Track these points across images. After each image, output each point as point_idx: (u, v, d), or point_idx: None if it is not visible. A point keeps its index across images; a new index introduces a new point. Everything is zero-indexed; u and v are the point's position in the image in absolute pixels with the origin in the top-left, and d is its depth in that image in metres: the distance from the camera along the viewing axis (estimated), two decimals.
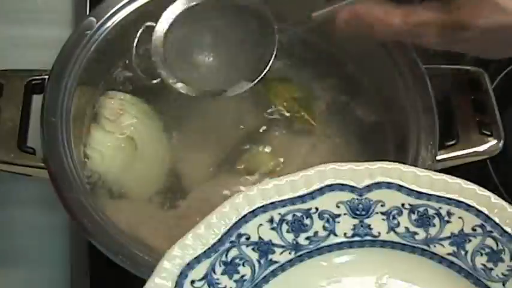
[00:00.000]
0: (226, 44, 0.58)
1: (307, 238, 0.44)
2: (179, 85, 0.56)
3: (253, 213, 0.43)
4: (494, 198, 0.45)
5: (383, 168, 0.45)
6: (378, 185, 0.44)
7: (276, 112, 0.62)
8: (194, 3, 0.58)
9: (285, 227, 0.44)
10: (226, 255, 0.43)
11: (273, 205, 0.44)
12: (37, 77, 0.57)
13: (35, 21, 0.75)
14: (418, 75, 0.59)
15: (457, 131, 0.57)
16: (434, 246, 0.45)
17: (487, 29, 0.48)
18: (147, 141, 0.59)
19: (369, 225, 0.45)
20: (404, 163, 0.54)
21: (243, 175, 0.59)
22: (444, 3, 0.49)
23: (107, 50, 0.60)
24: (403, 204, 0.45)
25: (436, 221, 0.45)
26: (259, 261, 0.43)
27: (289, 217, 0.44)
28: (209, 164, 0.60)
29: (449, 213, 0.45)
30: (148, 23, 0.57)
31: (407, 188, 0.45)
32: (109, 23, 0.59)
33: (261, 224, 0.43)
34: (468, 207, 0.45)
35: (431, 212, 0.45)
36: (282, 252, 0.44)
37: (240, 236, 0.43)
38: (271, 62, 0.55)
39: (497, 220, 0.44)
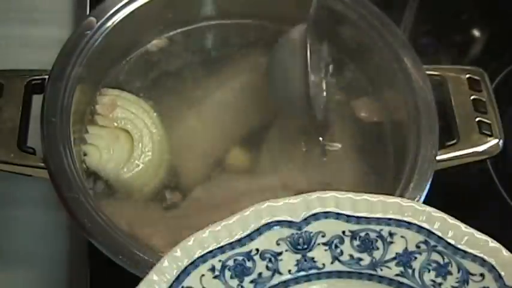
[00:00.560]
0: None
1: (252, 281, 0.43)
2: None
3: (193, 264, 0.42)
4: (434, 212, 0.44)
5: (319, 197, 0.44)
6: (316, 216, 0.44)
7: None
8: None
9: (227, 273, 0.43)
10: None
11: (212, 253, 0.43)
12: (37, 77, 0.57)
13: (35, 21, 0.75)
14: (418, 75, 0.59)
15: (457, 131, 0.57)
16: (381, 270, 0.44)
17: None
18: (144, 135, 0.59)
19: (312, 258, 0.44)
20: (404, 164, 0.55)
21: (243, 173, 0.59)
22: None
23: (106, 50, 0.60)
24: (343, 232, 0.44)
25: (379, 243, 0.44)
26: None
27: (231, 262, 0.43)
28: (209, 162, 0.60)
29: (391, 234, 0.44)
30: None
31: (345, 214, 0.44)
32: (109, 23, 0.59)
33: (203, 275, 0.42)
34: (409, 225, 0.44)
35: (372, 235, 0.44)
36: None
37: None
38: None
39: (439, 234, 0.44)
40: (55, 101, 0.55)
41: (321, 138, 0.60)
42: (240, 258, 0.43)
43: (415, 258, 0.44)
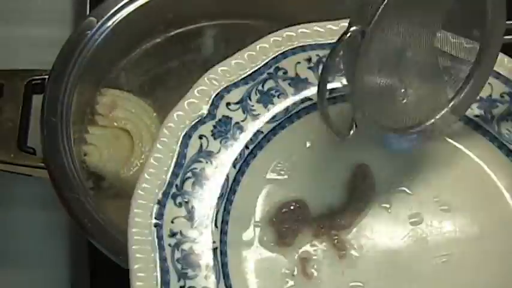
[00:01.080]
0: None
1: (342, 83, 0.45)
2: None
3: (293, 50, 0.45)
4: None
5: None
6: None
7: None
8: None
9: (320, 67, 0.45)
10: (263, 85, 0.44)
11: (312, 46, 0.45)
12: (37, 77, 0.57)
13: (35, 21, 0.75)
14: None
15: None
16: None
17: None
18: (144, 134, 0.59)
19: None
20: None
21: None
22: None
23: (106, 50, 0.60)
24: None
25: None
26: (293, 96, 0.45)
27: (324, 59, 0.45)
28: None
29: None
30: None
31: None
32: (109, 23, 0.59)
33: (298, 62, 0.45)
34: (498, 75, 0.46)
35: None
36: None
37: (277, 69, 0.45)
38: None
39: None
40: (55, 101, 0.55)
41: None
42: (337, 59, 0.43)
43: (497, 106, 0.46)
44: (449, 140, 0.47)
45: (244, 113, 0.44)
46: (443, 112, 0.44)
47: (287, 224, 0.43)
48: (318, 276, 0.42)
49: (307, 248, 0.43)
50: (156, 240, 0.39)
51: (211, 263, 0.40)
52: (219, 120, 0.43)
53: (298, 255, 0.43)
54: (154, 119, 0.60)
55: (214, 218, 0.41)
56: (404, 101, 0.43)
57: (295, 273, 0.42)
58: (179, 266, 0.39)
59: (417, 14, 0.41)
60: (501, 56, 0.46)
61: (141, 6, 0.61)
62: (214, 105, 0.43)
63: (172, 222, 0.40)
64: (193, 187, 0.41)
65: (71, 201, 0.51)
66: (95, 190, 0.57)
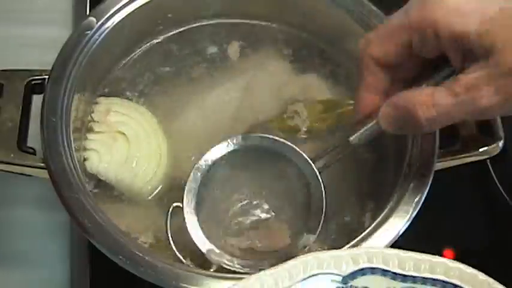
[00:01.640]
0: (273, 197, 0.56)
1: None
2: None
3: None
4: (481, 276, 0.44)
5: (367, 252, 0.44)
6: (362, 272, 0.44)
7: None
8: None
9: None
10: None
11: None
12: (37, 77, 0.57)
13: (35, 21, 0.75)
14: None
15: (457, 131, 0.57)
16: None
17: None
18: (140, 136, 0.59)
19: None
20: (403, 163, 0.55)
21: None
22: (487, 58, 0.44)
23: (107, 50, 0.60)
24: None
25: None
26: None
27: None
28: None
29: None
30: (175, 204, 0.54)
31: (391, 272, 0.44)
32: (109, 23, 0.59)
33: None
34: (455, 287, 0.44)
35: None
36: None
37: None
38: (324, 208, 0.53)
39: None
40: (55, 101, 0.55)
41: None
42: None
43: None
44: None
45: None
46: None
47: None
48: None
49: None
50: None
51: None
52: None
53: None
54: (150, 119, 0.60)
55: None
56: None
57: None
58: None
59: None
60: (456, 264, 0.45)
61: (141, 6, 0.61)
62: None
63: None
64: None
65: (71, 201, 0.51)
66: (96, 192, 0.57)
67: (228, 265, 0.52)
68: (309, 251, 0.51)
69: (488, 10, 0.45)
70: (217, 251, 0.52)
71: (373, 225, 0.51)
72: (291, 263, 0.44)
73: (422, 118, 0.47)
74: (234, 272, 0.52)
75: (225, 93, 0.63)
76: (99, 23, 0.59)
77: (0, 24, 0.74)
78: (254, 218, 0.55)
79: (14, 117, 0.55)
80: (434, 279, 0.44)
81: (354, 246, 0.50)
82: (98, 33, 0.58)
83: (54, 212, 0.62)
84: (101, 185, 0.57)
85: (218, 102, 0.63)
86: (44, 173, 0.52)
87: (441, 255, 0.49)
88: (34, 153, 0.54)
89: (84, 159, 0.57)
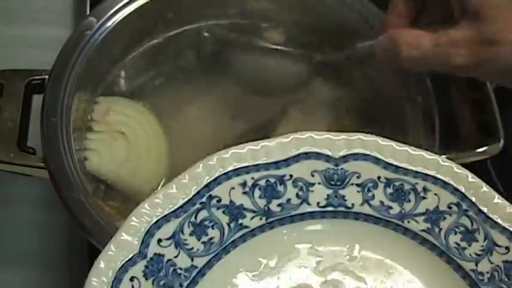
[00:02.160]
0: None
1: (279, 205, 0.43)
2: None
3: (226, 175, 0.42)
4: (471, 177, 0.44)
5: (361, 139, 0.44)
6: (355, 156, 0.44)
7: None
8: None
9: (257, 192, 0.43)
10: (196, 216, 0.42)
11: (247, 169, 0.43)
12: (37, 77, 0.57)
13: (35, 21, 0.75)
14: (418, 75, 0.59)
15: (457, 131, 0.57)
16: (408, 222, 0.44)
17: None
18: (140, 135, 0.59)
19: (343, 196, 0.44)
20: None
21: None
22: (474, 20, 0.48)
23: (107, 50, 0.60)
24: (379, 177, 0.44)
25: (412, 196, 0.44)
26: (228, 225, 0.42)
27: (263, 182, 0.43)
28: None
29: (425, 190, 0.44)
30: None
31: (384, 161, 0.44)
32: (109, 23, 0.59)
33: (233, 188, 0.42)
34: (445, 185, 0.44)
35: (407, 187, 0.44)
36: (252, 218, 0.43)
37: (211, 198, 0.42)
38: None
39: (473, 199, 0.44)
40: (55, 101, 0.55)
41: None
42: (273, 180, 0.43)
43: (444, 218, 0.44)
44: (389, 261, 0.45)
45: (176, 248, 0.41)
46: None
47: None
48: None
49: None
50: None
51: None
52: (151, 258, 0.40)
53: None
54: (150, 119, 0.60)
55: None
56: None
57: None
58: None
59: None
60: (449, 163, 0.45)
61: (141, 6, 0.61)
62: (144, 243, 0.40)
63: None
64: None
65: (71, 201, 0.51)
66: (96, 192, 0.57)
67: None
68: None
69: None
70: None
71: None
72: (283, 139, 0.43)
73: (404, 55, 0.50)
74: None
75: (225, 93, 0.63)
76: (99, 23, 0.59)
77: (0, 24, 0.74)
78: None
79: (14, 117, 0.55)
80: (426, 174, 0.44)
81: None
82: (98, 33, 0.58)
83: (54, 212, 0.62)
84: (101, 184, 0.57)
85: (218, 102, 0.63)
86: (44, 173, 0.52)
87: None
88: (34, 153, 0.54)
89: (84, 159, 0.57)
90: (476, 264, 0.44)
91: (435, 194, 0.44)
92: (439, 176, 0.44)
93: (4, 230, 0.63)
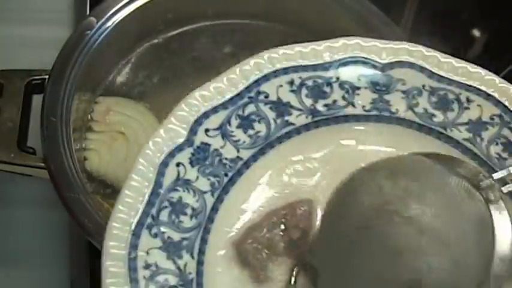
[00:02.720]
0: None
1: (325, 105, 0.44)
2: None
3: (275, 73, 0.43)
4: None
5: (407, 49, 0.45)
6: (401, 64, 0.45)
7: None
8: None
9: (304, 91, 0.44)
10: (243, 110, 0.43)
11: (295, 68, 0.44)
12: (37, 77, 0.57)
13: (35, 21, 0.75)
14: None
15: None
16: (451, 130, 0.45)
17: None
18: (139, 135, 0.59)
19: (388, 101, 0.45)
20: None
21: None
22: None
23: (107, 50, 0.60)
24: (423, 86, 0.45)
25: (455, 105, 0.45)
26: (275, 121, 0.43)
27: (310, 82, 0.44)
28: None
29: (468, 100, 0.45)
30: None
31: (429, 70, 0.45)
32: (109, 23, 0.59)
33: (280, 85, 0.43)
34: (488, 96, 0.45)
35: (450, 96, 0.45)
36: (298, 115, 0.44)
37: (259, 93, 0.43)
38: None
39: None
40: (55, 101, 0.55)
41: None
42: (320, 81, 0.44)
43: (487, 128, 0.45)
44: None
45: (223, 139, 0.42)
46: None
47: (258, 255, 0.42)
48: None
49: (285, 278, 0.42)
50: (130, 273, 0.38)
51: None
52: (198, 147, 0.41)
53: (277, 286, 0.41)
54: (150, 118, 0.60)
55: (191, 248, 0.40)
56: None
57: None
58: None
59: None
60: (492, 76, 0.45)
61: (141, 6, 0.61)
62: (192, 131, 0.41)
63: (147, 253, 0.39)
64: (169, 217, 0.39)
65: (71, 201, 0.51)
66: (96, 192, 0.57)
67: None
68: None
69: None
70: None
71: None
72: (333, 43, 0.44)
73: None
74: None
75: None
76: (99, 23, 0.59)
77: (0, 24, 0.74)
78: None
79: (14, 117, 0.55)
80: (469, 85, 0.45)
81: None
82: (98, 33, 0.58)
83: (54, 212, 0.62)
84: (101, 184, 0.57)
85: None
86: (44, 173, 0.52)
87: None
88: (34, 153, 0.54)
89: (84, 159, 0.57)
90: None
91: (478, 105, 0.45)
92: (482, 87, 0.45)
93: (4, 230, 0.63)
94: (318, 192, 0.43)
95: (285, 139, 0.44)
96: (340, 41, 0.44)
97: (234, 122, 0.43)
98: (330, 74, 0.44)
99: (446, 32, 0.78)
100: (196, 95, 0.42)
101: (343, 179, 0.42)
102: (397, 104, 0.45)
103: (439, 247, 0.38)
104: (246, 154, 0.43)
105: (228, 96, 0.43)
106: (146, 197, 0.39)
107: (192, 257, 0.40)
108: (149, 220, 0.39)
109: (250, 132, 0.43)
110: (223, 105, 0.42)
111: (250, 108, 0.43)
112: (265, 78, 0.43)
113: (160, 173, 0.40)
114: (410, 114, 0.45)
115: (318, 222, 0.42)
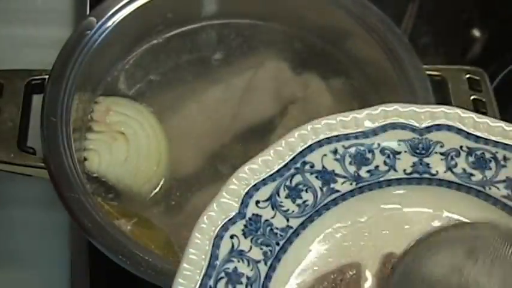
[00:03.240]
0: None
1: (368, 171, 0.46)
2: None
3: (319, 143, 0.45)
4: None
5: (444, 112, 0.46)
6: (439, 127, 0.46)
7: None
8: None
9: (347, 159, 0.45)
10: (291, 181, 0.44)
11: (338, 137, 0.45)
12: (37, 77, 0.57)
13: (35, 21, 0.75)
14: (418, 75, 0.59)
15: None
16: (490, 188, 0.46)
17: None
18: (139, 135, 0.59)
19: (428, 163, 0.46)
20: None
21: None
22: None
23: (107, 50, 0.60)
24: (461, 147, 0.46)
25: (492, 164, 0.46)
26: (321, 189, 0.45)
27: (352, 150, 0.45)
28: (208, 158, 0.60)
29: (505, 158, 0.46)
30: None
31: (466, 131, 0.46)
32: (109, 23, 0.59)
33: (325, 154, 0.45)
34: None
35: (488, 155, 0.46)
36: (343, 183, 0.45)
37: (304, 163, 0.45)
38: None
39: None
40: (55, 101, 0.55)
41: None
42: (362, 148, 0.45)
43: None
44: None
45: (273, 209, 0.44)
46: None
47: None
48: None
49: None
50: None
51: None
52: (249, 218, 0.43)
53: None
54: (150, 118, 0.60)
55: None
56: None
57: None
58: None
59: None
60: None
61: (141, 6, 0.61)
62: (244, 204, 0.43)
63: None
64: (226, 287, 0.41)
65: (71, 201, 0.51)
66: (96, 192, 0.57)
67: None
68: None
69: None
70: None
71: None
72: (373, 111, 0.46)
73: None
74: None
75: (225, 93, 0.63)
76: (99, 23, 0.59)
77: (0, 24, 0.74)
78: None
79: (14, 117, 0.55)
80: (505, 144, 0.46)
81: None
82: (98, 33, 0.58)
83: (54, 212, 0.62)
84: (101, 185, 0.58)
85: (218, 102, 0.63)
86: (44, 173, 0.52)
87: None
88: (34, 153, 0.54)
89: (84, 159, 0.57)
90: None
91: None
92: None
93: (4, 229, 0.63)
94: (366, 255, 0.45)
95: (332, 206, 0.45)
96: (379, 109, 0.46)
97: (283, 192, 0.44)
98: (371, 140, 0.46)
99: (446, 32, 0.78)
100: (245, 169, 0.44)
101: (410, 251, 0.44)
102: (437, 165, 0.46)
103: None
104: (295, 223, 0.45)
105: (276, 168, 0.44)
106: (204, 269, 0.41)
107: None
108: None
109: (299, 201, 0.45)
110: (272, 177, 0.44)
111: (297, 178, 0.45)
112: (310, 149, 0.45)
113: (216, 246, 0.42)
114: (449, 174, 0.47)
115: (366, 286, 0.44)
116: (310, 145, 0.45)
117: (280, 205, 0.44)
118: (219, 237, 0.42)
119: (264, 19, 0.66)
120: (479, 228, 0.45)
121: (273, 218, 0.44)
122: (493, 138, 0.46)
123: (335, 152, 0.45)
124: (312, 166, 0.45)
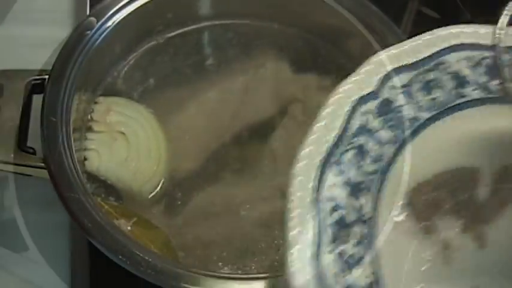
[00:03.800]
0: None
1: (497, 84, 0.46)
2: None
3: (461, 46, 0.46)
4: None
5: None
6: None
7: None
8: None
9: (482, 68, 0.46)
10: (427, 75, 0.46)
11: (473, 46, 0.47)
12: (37, 77, 0.57)
13: (35, 21, 0.75)
14: None
15: None
16: None
17: None
18: (139, 135, 0.59)
19: None
20: None
21: (243, 176, 0.59)
22: None
23: (107, 50, 0.60)
24: None
25: None
26: (452, 90, 0.46)
27: (487, 61, 0.46)
28: (208, 158, 0.60)
29: None
30: None
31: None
32: (109, 23, 0.59)
33: (461, 59, 0.46)
34: None
35: None
36: (474, 89, 0.46)
37: (442, 62, 0.46)
38: None
39: None
40: (55, 101, 0.55)
41: None
42: (498, 61, 0.46)
43: None
44: None
45: (405, 97, 0.45)
46: None
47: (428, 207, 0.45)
48: (453, 265, 0.44)
49: (448, 234, 0.45)
50: (314, 203, 0.40)
51: (362, 231, 0.41)
52: (382, 100, 0.44)
53: (438, 240, 0.45)
54: (150, 119, 0.60)
55: (369, 191, 0.42)
56: None
57: (433, 257, 0.45)
58: (331, 231, 0.40)
59: None
60: None
61: (141, 6, 0.61)
62: (381, 84, 0.44)
63: (329, 189, 0.41)
64: (352, 159, 0.42)
65: (71, 201, 0.51)
66: (96, 192, 0.57)
67: None
68: None
69: None
70: None
71: None
72: (441, 32, 0.47)
73: None
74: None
75: (225, 93, 0.63)
76: (99, 22, 0.59)
77: (0, 24, 0.74)
78: None
79: (14, 117, 0.55)
80: None
81: None
82: (98, 33, 0.58)
83: (54, 212, 0.62)
84: (101, 185, 0.58)
85: (218, 102, 0.63)
86: (44, 173, 0.52)
87: None
88: (34, 153, 0.54)
89: (84, 159, 0.57)
90: None
91: None
92: None
93: (4, 229, 0.63)
94: (485, 160, 0.46)
95: (456, 110, 0.46)
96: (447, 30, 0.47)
97: (417, 84, 0.45)
98: (508, 56, 0.47)
99: None
100: (391, 51, 0.45)
101: None
102: None
103: None
104: (423, 115, 0.45)
105: (418, 57, 0.45)
106: (334, 138, 0.42)
107: (369, 200, 0.42)
108: (334, 159, 0.42)
109: (429, 96, 0.45)
110: (412, 66, 0.45)
111: (433, 74, 0.46)
112: (450, 49, 0.46)
113: (348, 118, 0.43)
114: None
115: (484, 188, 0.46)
116: (450, 46, 0.46)
117: (413, 96, 0.45)
118: (352, 110, 0.43)
119: (263, 19, 0.66)
120: None
121: (403, 106, 0.44)
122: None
123: (471, 59, 0.46)
124: (449, 67, 0.46)
